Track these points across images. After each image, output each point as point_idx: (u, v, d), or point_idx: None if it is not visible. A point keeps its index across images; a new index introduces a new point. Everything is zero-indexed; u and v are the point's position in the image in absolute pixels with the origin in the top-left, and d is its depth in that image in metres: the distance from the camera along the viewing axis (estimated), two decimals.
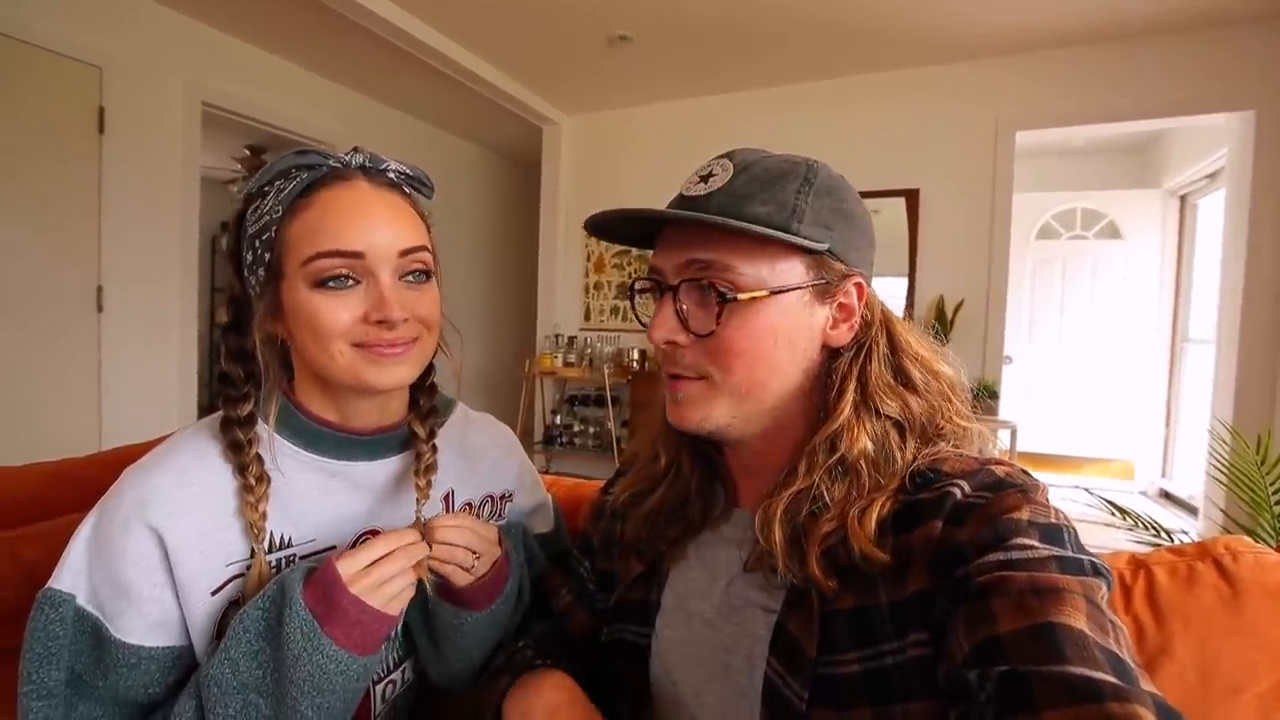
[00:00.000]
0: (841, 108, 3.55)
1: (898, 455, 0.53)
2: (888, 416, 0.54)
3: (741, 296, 0.53)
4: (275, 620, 0.52)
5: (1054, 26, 2.89)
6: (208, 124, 3.17)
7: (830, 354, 0.57)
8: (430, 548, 0.58)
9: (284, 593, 0.53)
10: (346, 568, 0.53)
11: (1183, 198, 4.17)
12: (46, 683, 0.52)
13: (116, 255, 2.79)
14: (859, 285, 0.57)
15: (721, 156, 0.57)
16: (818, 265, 0.55)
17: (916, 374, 0.57)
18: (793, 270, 0.54)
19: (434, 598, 0.62)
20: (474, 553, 0.61)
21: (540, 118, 4.13)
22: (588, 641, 0.69)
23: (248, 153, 4.77)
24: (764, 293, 0.53)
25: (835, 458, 0.53)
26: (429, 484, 0.65)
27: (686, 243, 0.55)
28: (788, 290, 0.54)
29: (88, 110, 2.67)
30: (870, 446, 0.53)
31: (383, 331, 0.58)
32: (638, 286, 0.64)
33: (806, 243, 0.53)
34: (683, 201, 0.56)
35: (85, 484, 0.87)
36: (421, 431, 0.67)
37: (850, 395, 0.54)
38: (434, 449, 0.68)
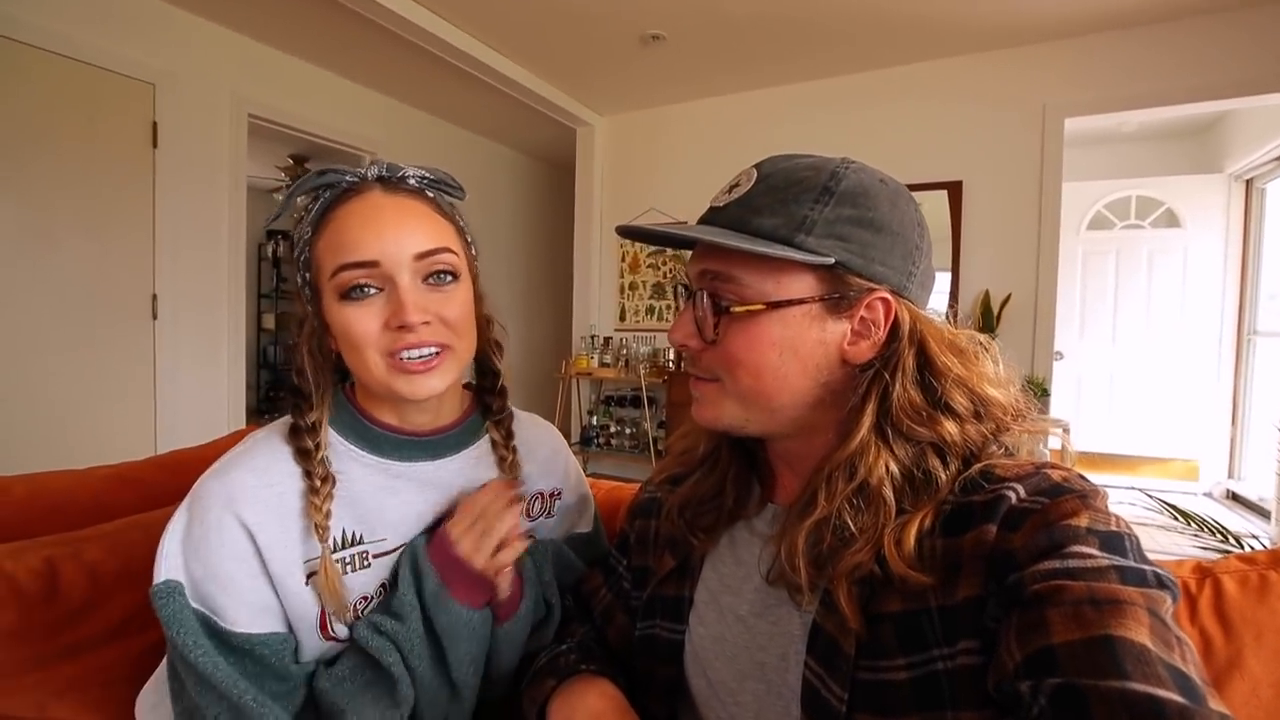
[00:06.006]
0: (880, 101, 3.47)
1: (940, 475, 0.50)
2: (921, 441, 0.51)
3: (737, 309, 0.54)
4: (419, 590, 0.61)
5: (1104, 6, 2.77)
6: (253, 135, 3.28)
7: (859, 369, 0.54)
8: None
9: (416, 563, 0.62)
10: (454, 530, 0.62)
11: (1248, 182, 3.95)
12: (203, 643, 0.55)
13: (169, 264, 2.90)
14: (885, 300, 0.53)
15: (756, 164, 0.57)
16: (831, 279, 0.52)
17: (959, 399, 0.52)
18: (800, 283, 0.53)
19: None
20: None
21: (574, 119, 4.15)
22: (626, 643, 0.69)
23: (291, 161, 4.93)
24: (760, 306, 0.53)
25: (854, 485, 0.51)
26: (517, 479, 0.72)
27: (703, 253, 0.57)
28: (789, 304, 0.53)
29: (142, 125, 2.79)
30: (896, 470, 0.50)
31: (405, 335, 0.59)
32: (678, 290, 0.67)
33: (806, 257, 0.51)
34: (710, 212, 0.57)
35: (143, 486, 0.91)
36: (498, 436, 0.73)
37: (870, 415, 0.52)
38: (514, 450, 0.73)
